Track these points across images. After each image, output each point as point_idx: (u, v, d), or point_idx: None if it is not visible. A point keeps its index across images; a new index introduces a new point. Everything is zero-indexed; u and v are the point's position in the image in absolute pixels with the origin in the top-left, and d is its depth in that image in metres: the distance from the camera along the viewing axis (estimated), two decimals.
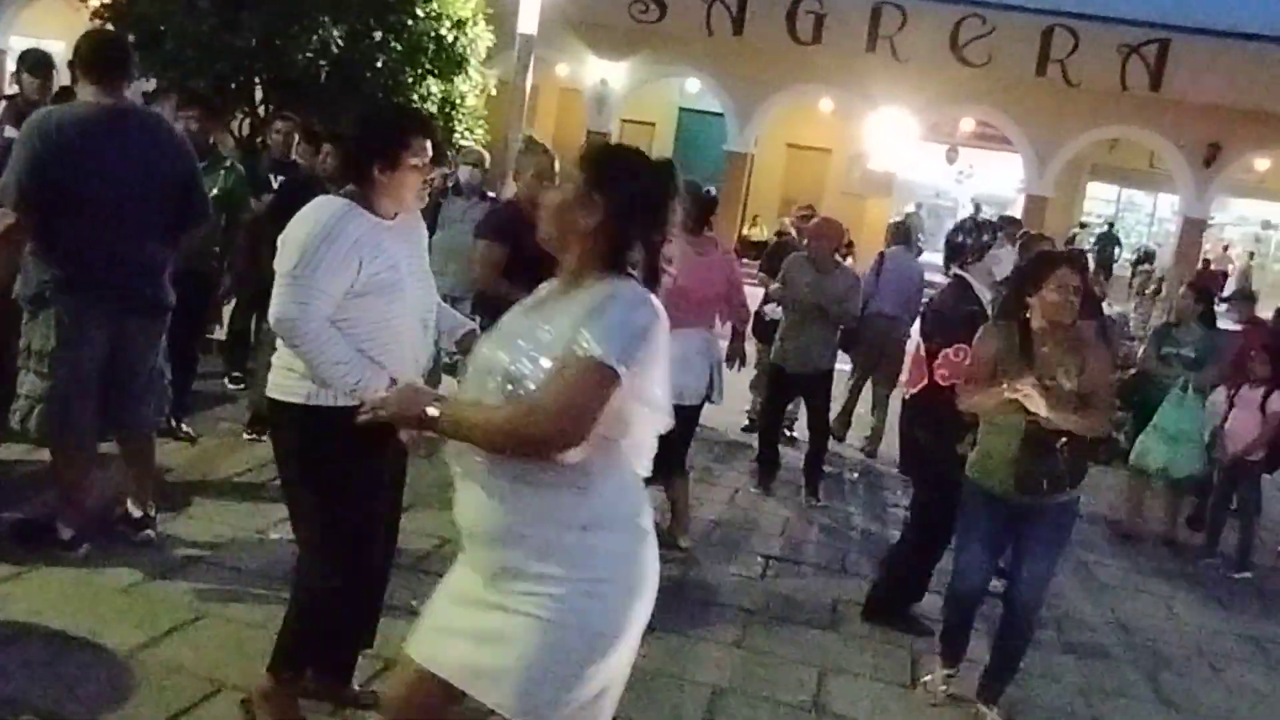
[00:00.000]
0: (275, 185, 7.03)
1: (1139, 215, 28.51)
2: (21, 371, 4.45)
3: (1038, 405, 4.05)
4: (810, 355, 7.08)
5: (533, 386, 2.29)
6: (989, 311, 5.10)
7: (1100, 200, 28.03)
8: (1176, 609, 6.31)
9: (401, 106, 4.02)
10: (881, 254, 8.84)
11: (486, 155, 8.42)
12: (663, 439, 2.59)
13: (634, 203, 2.43)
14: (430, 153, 3.47)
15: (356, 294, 3.26)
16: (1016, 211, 22.30)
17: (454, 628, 2.47)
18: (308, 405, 3.33)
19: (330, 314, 3.24)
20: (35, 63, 6.30)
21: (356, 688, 3.80)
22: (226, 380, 7.53)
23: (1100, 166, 26.18)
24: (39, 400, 4.40)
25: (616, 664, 2.46)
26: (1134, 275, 21.68)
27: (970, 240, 5.28)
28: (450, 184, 7.77)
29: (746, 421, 8.82)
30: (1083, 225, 25.70)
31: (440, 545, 5.29)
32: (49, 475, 4.68)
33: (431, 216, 8.23)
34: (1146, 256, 23.70)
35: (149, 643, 3.92)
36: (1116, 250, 24.72)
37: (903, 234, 9.15)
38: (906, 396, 5.53)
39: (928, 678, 4.65)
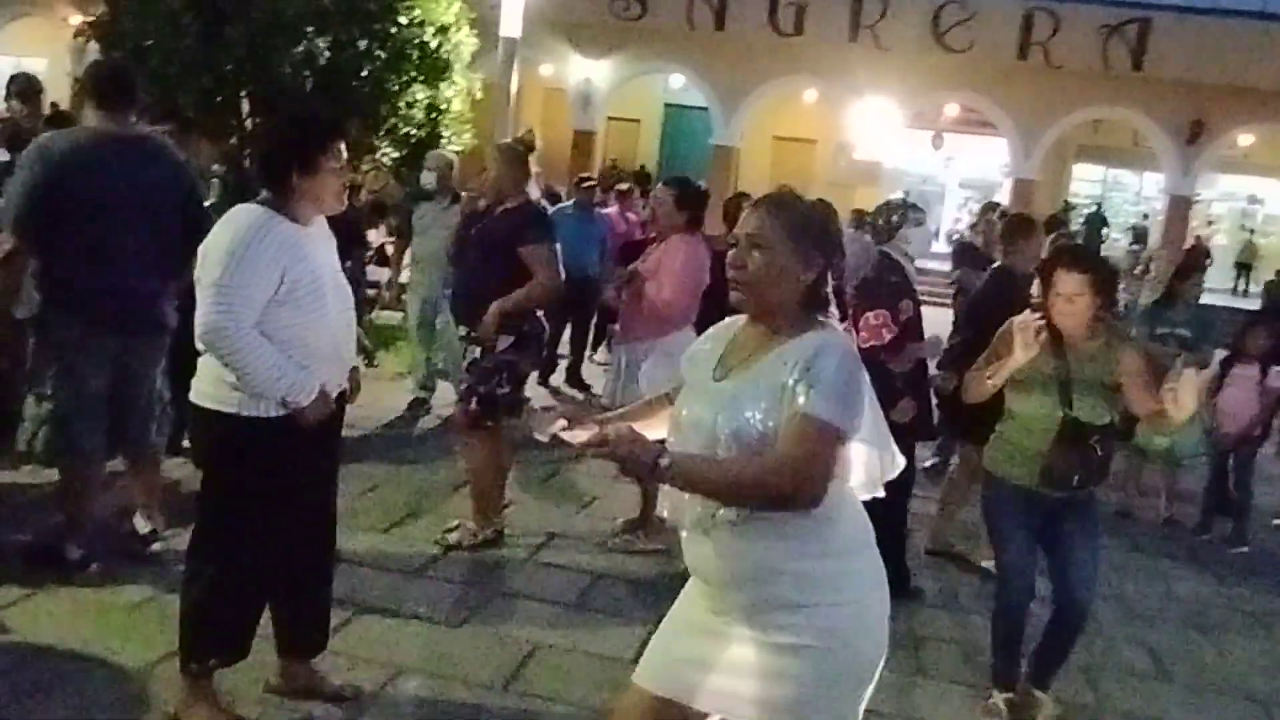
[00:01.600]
0: None
1: (1126, 194, 28.60)
2: (33, 395, 4.51)
3: (1028, 351, 3.96)
4: None
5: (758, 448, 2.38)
6: (912, 282, 5.45)
7: (1087, 181, 28.14)
8: (1175, 586, 6.38)
9: (315, 110, 4.13)
10: None
11: (454, 159, 8.46)
12: None
13: (838, 253, 2.59)
14: (345, 155, 3.50)
15: (279, 302, 3.30)
16: (1004, 195, 22.41)
17: (704, 661, 2.53)
18: (240, 415, 3.36)
19: (255, 321, 3.27)
20: (23, 88, 6.35)
21: (336, 682, 3.89)
22: None
23: (1086, 147, 26.29)
24: (42, 422, 4.46)
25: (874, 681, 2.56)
26: (1127, 256, 21.72)
27: (882, 221, 5.56)
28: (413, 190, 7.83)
29: None
30: (1069, 206, 25.81)
31: (445, 552, 5.34)
32: (56, 497, 4.71)
33: (405, 224, 8.36)
34: (1140, 236, 23.74)
35: (160, 659, 3.95)
36: (1105, 230, 24.80)
37: (855, 217, 9.46)
38: None
39: (989, 700, 4.42)
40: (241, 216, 3.36)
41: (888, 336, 5.21)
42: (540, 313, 5.45)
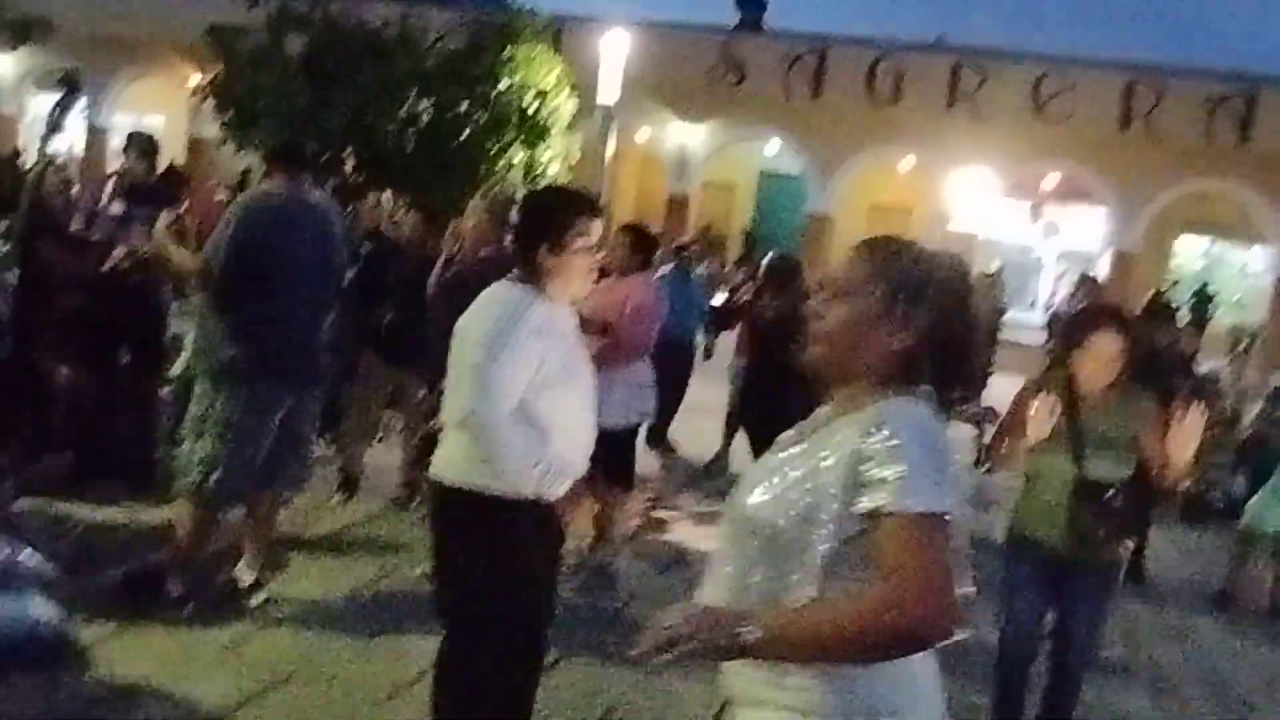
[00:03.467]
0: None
1: (1231, 269, 27.90)
2: (193, 440, 4.68)
3: (1041, 432, 3.92)
4: None
5: (820, 548, 1.88)
6: None
7: (1190, 255, 27.51)
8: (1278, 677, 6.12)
9: (565, 189, 4.08)
10: None
11: None
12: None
13: (953, 321, 2.01)
14: (597, 233, 3.43)
15: (537, 385, 3.22)
16: (1103, 267, 22.03)
17: None
18: (487, 495, 3.26)
19: (514, 406, 3.19)
20: (143, 147, 6.61)
21: None
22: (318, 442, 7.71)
23: (1189, 220, 25.73)
24: (217, 465, 4.61)
25: None
26: (1230, 333, 21.12)
27: None
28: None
29: None
30: (1175, 283, 25.23)
31: None
32: (180, 534, 4.78)
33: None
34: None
35: (244, 701, 4.03)
36: (1210, 307, 24.19)
37: None
38: None
39: None
40: (502, 297, 3.33)
41: None
42: None
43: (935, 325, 1.98)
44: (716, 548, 2.09)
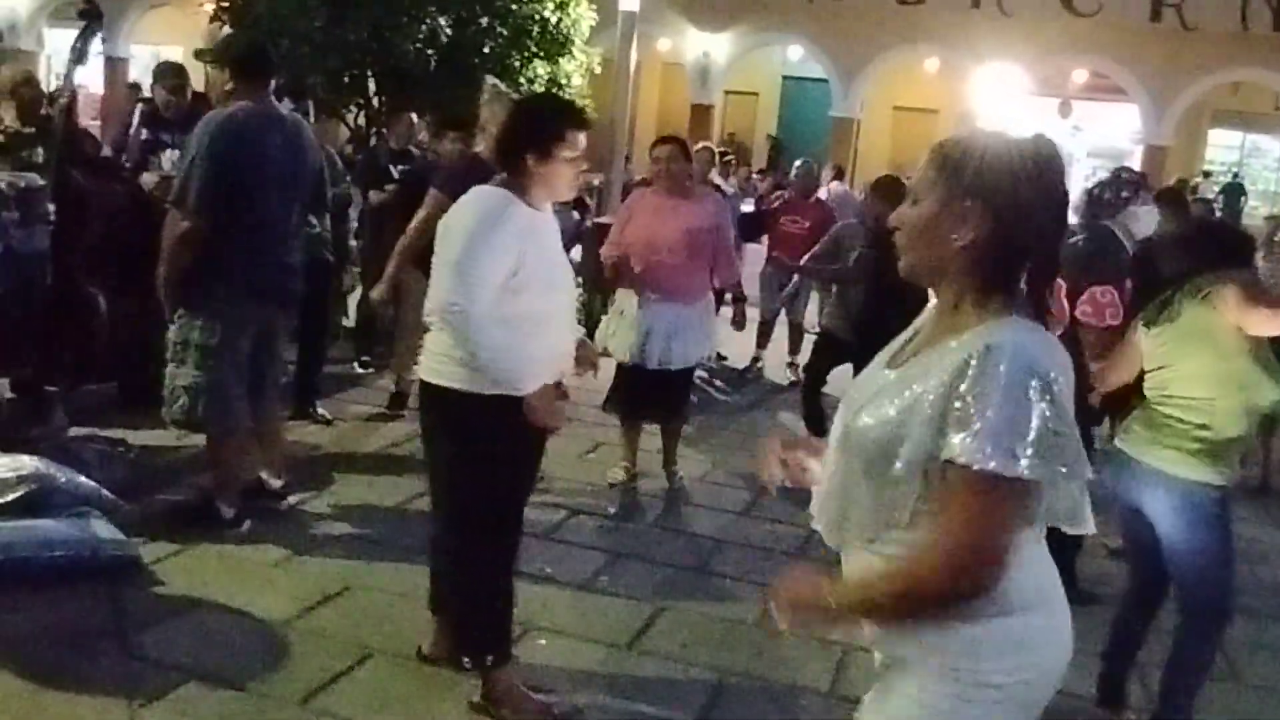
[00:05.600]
0: (397, 175, 7.27)
1: (1265, 160, 27.40)
2: (174, 365, 4.69)
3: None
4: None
5: (910, 478, 1.83)
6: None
7: (1223, 147, 27.01)
8: None
9: (556, 97, 3.90)
10: None
11: None
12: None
13: (1022, 209, 1.85)
14: (583, 145, 3.49)
15: (515, 289, 3.30)
16: (1135, 163, 21.69)
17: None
18: (464, 391, 3.37)
19: (491, 303, 3.25)
20: (173, 80, 6.53)
21: None
22: (355, 365, 7.81)
23: (1222, 112, 25.23)
24: (201, 392, 4.64)
25: None
26: (1267, 224, 20.81)
27: (1110, 195, 5.22)
28: None
29: None
30: (1206, 174, 24.83)
31: (571, 516, 5.43)
32: (208, 460, 4.91)
33: None
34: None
35: (301, 613, 4.13)
36: (1243, 200, 23.82)
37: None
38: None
39: None
40: (482, 198, 3.39)
41: (1111, 321, 4.75)
42: None
43: (1000, 219, 1.85)
44: (826, 461, 2.08)
